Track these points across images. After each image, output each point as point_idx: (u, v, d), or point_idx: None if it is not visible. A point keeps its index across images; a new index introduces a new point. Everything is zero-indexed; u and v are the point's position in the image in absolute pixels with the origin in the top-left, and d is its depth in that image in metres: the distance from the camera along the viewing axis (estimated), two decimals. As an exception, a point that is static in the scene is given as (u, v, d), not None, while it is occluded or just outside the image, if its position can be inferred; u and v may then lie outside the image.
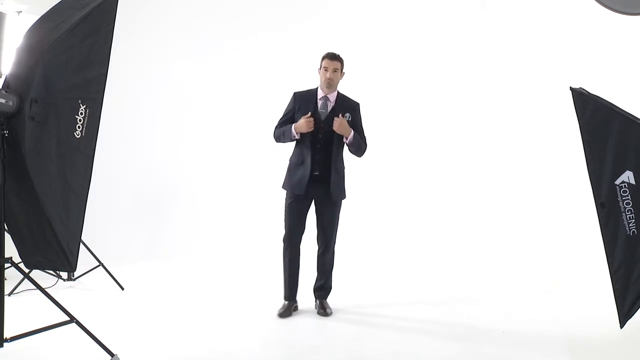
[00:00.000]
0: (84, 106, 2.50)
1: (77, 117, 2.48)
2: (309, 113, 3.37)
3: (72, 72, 2.47)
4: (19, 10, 3.86)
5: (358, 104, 3.55)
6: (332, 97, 3.46)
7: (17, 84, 2.37)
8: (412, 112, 5.53)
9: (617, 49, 5.06)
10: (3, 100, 2.27)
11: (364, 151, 3.55)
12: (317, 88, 3.51)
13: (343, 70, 3.48)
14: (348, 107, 3.48)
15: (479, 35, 5.45)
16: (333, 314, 3.51)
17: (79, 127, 2.49)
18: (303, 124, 3.36)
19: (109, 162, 4.92)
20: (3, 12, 2.53)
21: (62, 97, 2.43)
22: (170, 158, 5.76)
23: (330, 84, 3.42)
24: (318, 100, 3.45)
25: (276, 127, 3.55)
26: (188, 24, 5.79)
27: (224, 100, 5.76)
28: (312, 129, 3.36)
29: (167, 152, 5.77)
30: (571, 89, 2.70)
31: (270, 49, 5.66)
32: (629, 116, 2.64)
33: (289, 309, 3.51)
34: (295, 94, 3.55)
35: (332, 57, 3.43)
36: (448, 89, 5.50)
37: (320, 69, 3.46)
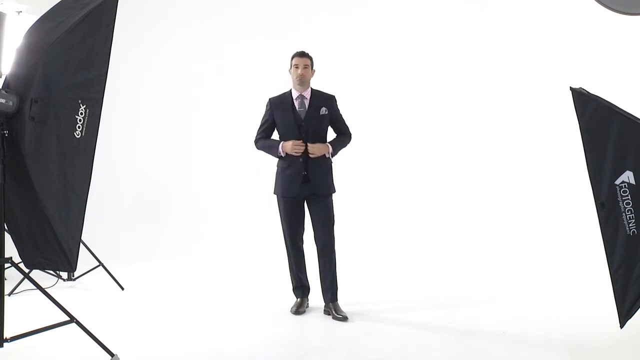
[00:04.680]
0: (84, 106, 2.50)
1: (77, 117, 2.48)
2: (301, 141, 3.39)
3: (72, 72, 2.47)
4: (19, 10, 3.85)
5: (333, 96, 3.58)
6: (307, 94, 3.50)
7: (17, 84, 2.37)
8: (412, 112, 5.53)
9: (617, 49, 5.06)
10: (3, 100, 2.27)
11: (350, 140, 3.63)
12: (290, 90, 3.53)
13: (314, 68, 3.53)
14: (324, 101, 3.51)
15: (480, 36, 5.45)
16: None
17: (79, 127, 2.49)
18: (290, 147, 3.39)
19: (109, 162, 4.93)
20: (3, 12, 2.52)
21: (62, 97, 2.43)
22: (171, 158, 5.76)
23: (303, 81, 3.45)
24: (294, 101, 3.48)
25: (258, 137, 3.59)
26: (189, 24, 5.80)
27: (225, 99, 5.77)
28: (298, 154, 3.39)
29: (168, 152, 5.77)
30: (571, 89, 2.70)
31: (273, 52, 5.66)
32: (629, 116, 2.63)
33: (302, 305, 3.56)
34: (270, 99, 3.57)
35: (302, 54, 3.48)
36: (449, 89, 5.50)
37: (290, 68, 3.50)
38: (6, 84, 2.39)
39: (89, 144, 2.54)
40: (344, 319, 3.38)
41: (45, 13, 2.58)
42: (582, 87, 2.71)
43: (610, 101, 2.67)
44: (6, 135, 2.34)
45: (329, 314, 3.46)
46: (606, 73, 4.81)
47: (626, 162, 2.62)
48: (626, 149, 2.62)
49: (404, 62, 5.56)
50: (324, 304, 3.52)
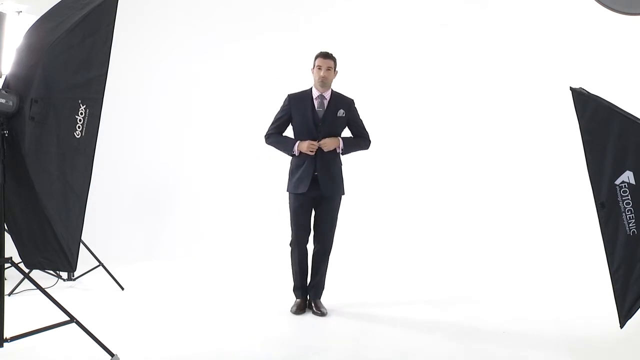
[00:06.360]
0: (84, 106, 2.50)
1: (77, 117, 2.48)
2: (317, 142, 3.41)
3: (72, 72, 2.46)
4: (19, 10, 3.85)
5: (352, 100, 3.60)
6: (327, 95, 3.52)
7: (17, 84, 2.36)
8: (413, 112, 5.53)
9: (617, 49, 5.06)
10: (3, 100, 2.27)
11: (367, 146, 3.64)
12: (311, 88, 3.55)
13: (336, 70, 3.53)
14: (342, 103, 3.53)
15: (480, 36, 5.45)
16: (334, 314, 3.52)
17: (79, 127, 2.49)
18: (306, 146, 3.41)
19: (109, 162, 4.93)
20: (3, 12, 2.52)
21: (62, 97, 2.43)
22: (171, 158, 5.76)
23: (325, 82, 3.47)
24: (314, 100, 3.49)
25: (270, 132, 3.59)
26: (189, 24, 5.79)
27: (225, 99, 5.76)
28: (311, 154, 3.41)
29: (168, 151, 5.77)
30: (571, 89, 2.70)
31: (272, 51, 5.66)
32: (629, 116, 2.64)
33: (303, 307, 3.57)
34: (289, 95, 3.57)
35: (326, 55, 3.49)
36: (449, 89, 5.50)
37: (313, 68, 3.51)
38: (6, 84, 2.39)
39: (89, 144, 2.54)
40: (323, 314, 3.48)
41: (45, 13, 2.57)
42: (582, 87, 2.71)
43: (610, 101, 2.67)
44: (6, 135, 2.34)
45: (310, 308, 3.56)
46: (606, 73, 4.81)
47: (626, 162, 2.62)
48: (626, 149, 2.62)
49: (403, 63, 5.55)
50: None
